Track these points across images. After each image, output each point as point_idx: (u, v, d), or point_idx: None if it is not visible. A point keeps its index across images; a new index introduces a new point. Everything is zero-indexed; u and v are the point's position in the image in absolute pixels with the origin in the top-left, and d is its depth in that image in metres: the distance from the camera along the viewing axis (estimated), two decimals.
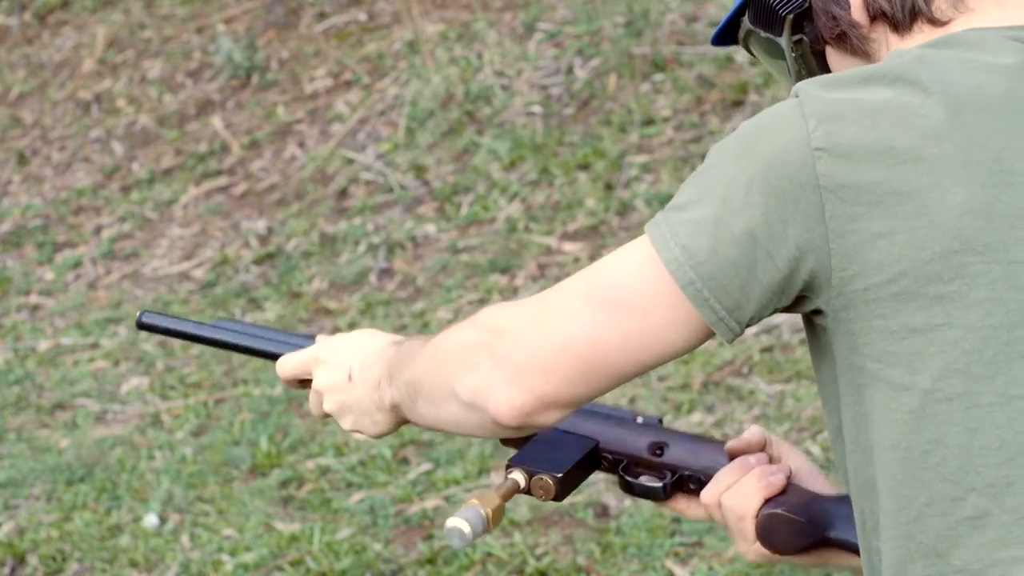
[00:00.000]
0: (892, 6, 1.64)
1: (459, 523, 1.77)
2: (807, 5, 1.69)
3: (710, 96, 6.02)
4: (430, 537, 4.19)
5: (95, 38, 7.76)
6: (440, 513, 4.30)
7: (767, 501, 1.77)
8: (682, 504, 1.86)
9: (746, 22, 1.78)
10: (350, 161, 6.38)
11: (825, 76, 1.58)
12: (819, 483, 1.81)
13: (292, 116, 6.79)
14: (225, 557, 4.27)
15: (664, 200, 5.50)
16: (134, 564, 4.34)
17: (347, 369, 1.85)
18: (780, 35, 1.72)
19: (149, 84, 7.36)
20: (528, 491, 1.86)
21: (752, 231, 1.52)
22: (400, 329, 5.33)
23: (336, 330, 5.46)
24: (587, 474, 1.91)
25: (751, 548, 1.77)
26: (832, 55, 1.70)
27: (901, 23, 1.63)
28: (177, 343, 5.60)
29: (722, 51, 6.16)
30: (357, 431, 1.88)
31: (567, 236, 5.55)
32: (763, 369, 4.67)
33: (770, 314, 1.58)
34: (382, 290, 5.59)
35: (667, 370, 4.76)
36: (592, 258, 5.37)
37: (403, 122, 6.43)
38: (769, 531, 1.76)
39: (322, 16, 7.33)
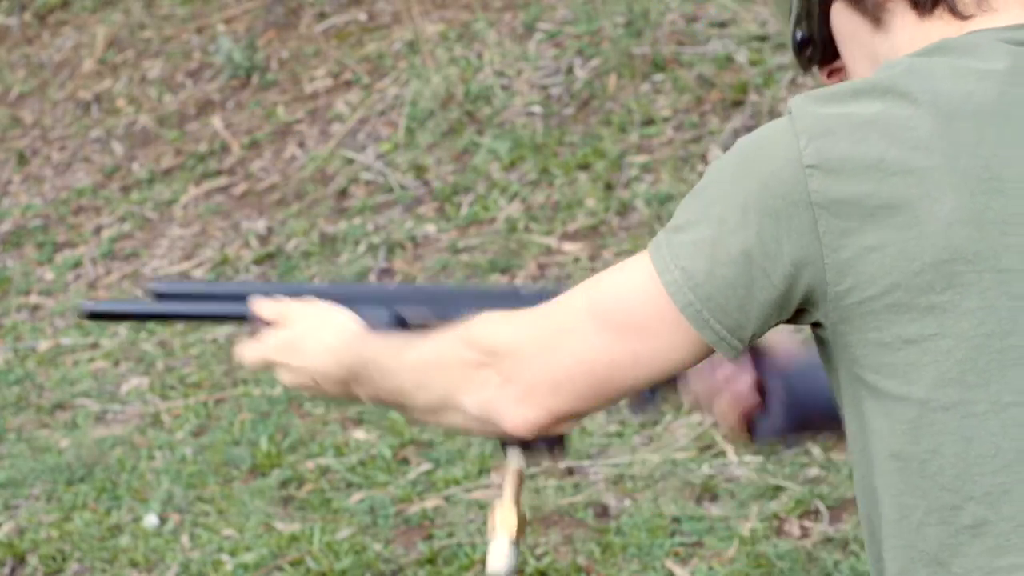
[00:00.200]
0: None
1: (499, 569, 1.80)
2: None
3: (710, 96, 6.02)
4: (430, 537, 4.20)
5: (95, 38, 7.76)
6: (440, 513, 4.30)
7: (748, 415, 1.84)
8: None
9: None
10: (350, 161, 6.38)
11: (818, 91, 1.58)
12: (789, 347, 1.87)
13: (292, 116, 6.79)
14: (225, 557, 4.27)
15: (664, 200, 5.51)
16: (134, 564, 4.34)
17: (321, 342, 1.88)
18: None
19: (149, 84, 7.37)
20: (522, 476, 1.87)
21: (748, 251, 1.54)
22: None
23: None
24: None
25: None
26: (840, 11, 1.69)
27: (923, 4, 1.62)
28: (178, 343, 5.60)
29: (722, 51, 6.16)
30: (296, 387, 1.92)
31: (567, 236, 5.55)
32: None
33: (772, 327, 1.59)
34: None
35: None
36: (592, 258, 5.38)
37: (403, 122, 6.43)
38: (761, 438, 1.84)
39: (322, 16, 7.33)
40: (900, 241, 1.50)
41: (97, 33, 7.78)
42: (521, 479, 1.87)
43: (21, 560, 4.47)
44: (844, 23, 1.69)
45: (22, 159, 7.23)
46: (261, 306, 1.96)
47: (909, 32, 1.63)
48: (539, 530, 4.14)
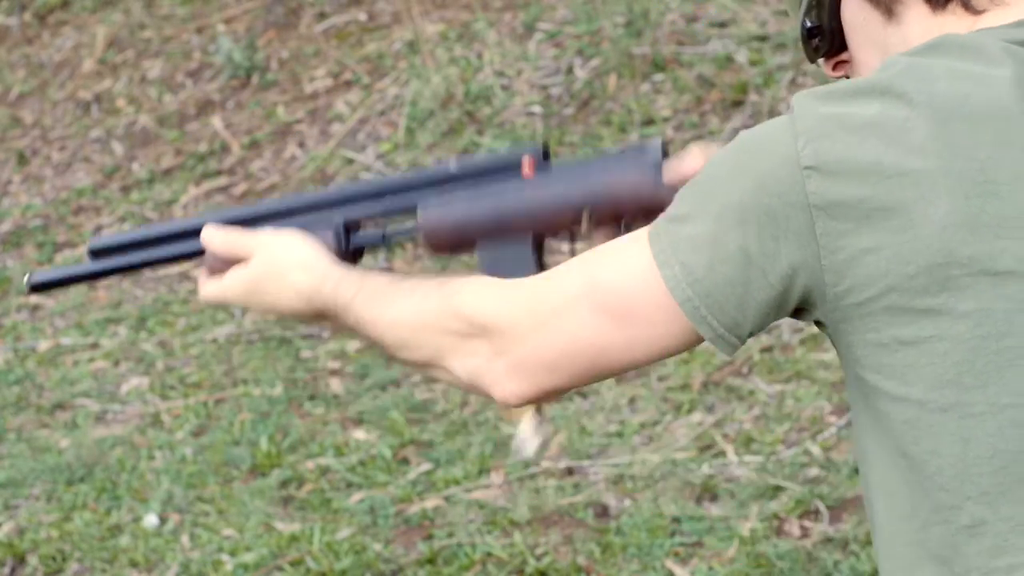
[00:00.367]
0: None
1: (528, 440, 1.81)
2: None
3: (710, 96, 6.02)
4: (430, 537, 4.19)
5: (95, 38, 7.76)
6: (440, 513, 4.30)
7: None
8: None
9: None
10: (350, 161, 6.38)
11: (820, 89, 1.58)
12: None
13: (292, 116, 6.79)
14: (225, 557, 4.27)
15: None
16: (134, 564, 4.34)
17: (291, 281, 1.85)
18: None
19: (149, 84, 7.37)
20: None
21: (746, 249, 1.54)
22: None
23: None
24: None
25: None
26: (851, 2, 1.69)
27: None
28: (178, 343, 5.60)
29: (722, 51, 6.16)
30: (259, 311, 1.91)
31: None
32: (763, 369, 4.67)
33: (769, 324, 1.60)
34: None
35: (667, 370, 4.76)
36: None
37: (403, 122, 6.43)
38: None
39: (322, 16, 7.33)
40: (895, 244, 1.50)
41: (97, 33, 7.78)
42: None
43: (21, 560, 4.47)
44: (856, 13, 1.69)
45: (22, 159, 7.23)
46: (213, 240, 1.93)
47: (922, 26, 1.64)
48: (539, 530, 4.14)
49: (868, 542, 3.84)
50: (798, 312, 1.59)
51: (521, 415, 1.82)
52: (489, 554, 4.08)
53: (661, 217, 1.60)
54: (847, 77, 1.76)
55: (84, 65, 7.65)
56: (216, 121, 6.95)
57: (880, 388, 1.55)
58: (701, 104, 6.00)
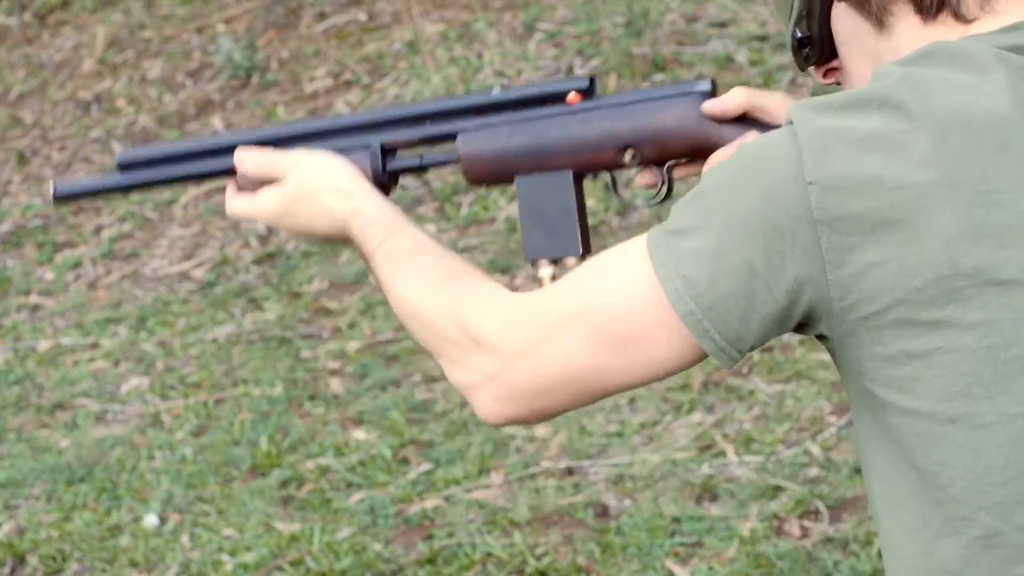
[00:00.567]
0: None
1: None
2: None
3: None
4: (430, 537, 4.19)
5: (95, 38, 7.76)
6: (440, 513, 4.30)
7: None
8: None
9: None
10: None
11: (816, 100, 1.57)
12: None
13: (292, 116, 6.79)
14: (225, 557, 4.27)
15: (663, 201, 5.49)
16: (134, 564, 4.34)
17: (327, 206, 1.84)
18: None
19: (149, 84, 7.37)
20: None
21: (750, 262, 1.53)
22: (400, 330, 5.33)
23: (336, 330, 5.47)
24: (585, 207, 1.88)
25: None
26: (842, 13, 1.68)
27: (927, 9, 1.62)
28: (178, 343, 5.60)
29: (722, 51, 6.16)
30: (288, 236, 1.90)
31: None
32: (763, 369, 4.67)
33: (772, 339, 1.59)
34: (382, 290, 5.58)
35: None
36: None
37: None
38: None
39: (322, 16, 7.33)
40: (901, 257, 1.50)
41: (97, 33, 7.78)
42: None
43: (21, 560, 4.47)
44: (846, 24, 1.68)
45: (22, 159, 7.23)
46: (244, 161, 1.91)
47: (913, 37, 1.63)
48: (539, 530, 4.14)
49: (868, 542, 3.84)
50: (801, 327, 1.58)
51: None
52: (489, 554, 4.08)
53: (659, 229, 1.58)
54: (838, 83, 1.75)
55: (84, 65, 7.65)
56: (216, 121, 6.95)
57: (888, 401, 1.55)
58: None
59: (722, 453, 4.34)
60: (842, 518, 3.98)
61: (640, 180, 1.87)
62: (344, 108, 6.68)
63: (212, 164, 1.96)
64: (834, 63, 1.74)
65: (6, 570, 4.44)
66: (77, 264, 6.39)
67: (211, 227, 6.36)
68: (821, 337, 1.59)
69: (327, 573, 4.12)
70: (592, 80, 1.86)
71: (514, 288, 5.36)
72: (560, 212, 1.86)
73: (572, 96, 1.84)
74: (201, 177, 1.98)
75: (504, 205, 5.84)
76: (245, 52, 7.10)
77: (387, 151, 1.90)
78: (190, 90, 7.23)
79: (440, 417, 4.78)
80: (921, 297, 1.50)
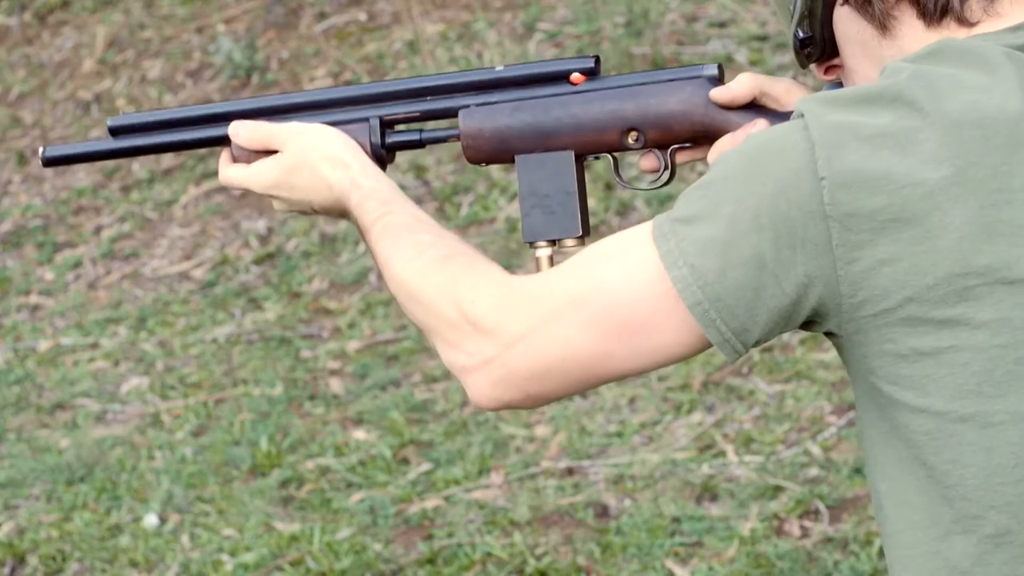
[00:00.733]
0: None
1: None
2: None
3: None
4: (430, 537, 4.19)
5: (95, 38, 7.76)
6: (440, 513, 4.30)
7: None
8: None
9: None
10: None
11: (826, 93, 1.56)
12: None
13: None
14: (225, 557, 4.27)
15: (664, 200, 5.50)
16: (134, 564, 4.34)
17: (322, 176, 1.82)
18: None
19: (149, 84, 7.37)
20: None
21: (761, 255, 1.52)
22: (400, 329, 5.33)
23: (336, 330, 5.47)
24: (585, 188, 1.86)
25: None
26: (845, 16, 1.68)
27: (931, 14, 1.61)
28: (178, 343, 5.60)
29: (722, 51, 6.16)
30: (283, 208, 1.88)
31: None
32: (763, 369, 4.67)
33: (777, 335, 1.58)
34: (382, 290, 5.59)
35: (667, 370, 4.76)
36: None
37: None
38: None
39: (322, 16, 7.33)
40: (912, 255, 1.49)
41: (97, 33, 7.78)
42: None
43: (21, 560, 4.47)
44: (849, 27, 1.68)
45: (22, 159, 7.22)
46: (239, 134, 1.88)
47: (916, 41, 1.62)
48: (539, 530, 4.14)
49: (868, 542, 3.84)
50: (808, 323, 1.57)
51: None
52: (489, 554, 4.08)
53: (665, 217, 1.56)
54: (839, 80, 1.75)
55: (84, 65, 7.65)
56: None
57: (897, 399, 1.54)
58: None
59: (722, 453, 4.33)
60: (842, 518, 3.98)
61: (642, 163, 1.86)
62: None
63: (206, 132, 1.92)
64: (835, 60, 1.74)
65: (6, 570, 4.44)
66: (77, 264, 6.39)
67: (211, 227, 6.36)
68: (828, 334, 1.58)
69: (327, 573, 4.12)
70: (597, 59, 1.84)
71: None
72: (560, 193, 1.83)
73: (576, 76, 1.82)
74: (194, 145, 1.95)
75: (504, 205, 5.84)
76: (245, 52, 7.10)
77: (386, 125, 1.87)
78: (190, 90, 7.23)
79: (440, 417, 4.78)
80: (932, 295, 1.50)
